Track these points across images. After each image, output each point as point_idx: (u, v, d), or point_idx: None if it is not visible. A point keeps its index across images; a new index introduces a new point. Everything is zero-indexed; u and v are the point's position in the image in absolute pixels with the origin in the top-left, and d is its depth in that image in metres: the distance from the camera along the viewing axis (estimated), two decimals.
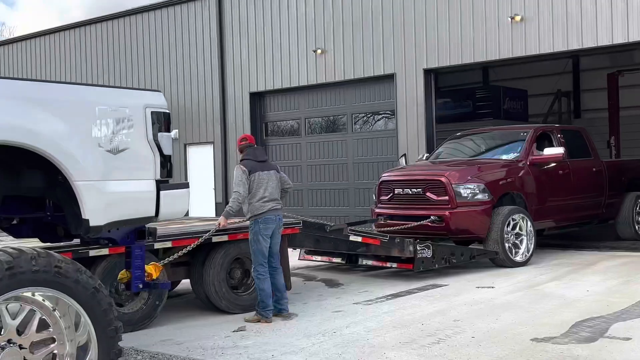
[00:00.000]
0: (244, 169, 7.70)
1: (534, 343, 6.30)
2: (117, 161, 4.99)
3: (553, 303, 8.01)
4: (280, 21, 16.88)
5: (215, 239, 8.09)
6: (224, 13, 17.93)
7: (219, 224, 7.76)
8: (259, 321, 7.53)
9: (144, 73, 19.68)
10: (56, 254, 4.46)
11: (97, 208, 4.83)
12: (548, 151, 11.63)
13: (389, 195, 11.55)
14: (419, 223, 10.81)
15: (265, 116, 17.77)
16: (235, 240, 8.25)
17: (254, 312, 7.65)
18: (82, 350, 4.53)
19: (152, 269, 6.38)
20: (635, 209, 13.16)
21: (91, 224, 4.78)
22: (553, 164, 11.84)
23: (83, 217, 4.76)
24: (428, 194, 10.86)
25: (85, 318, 4.45)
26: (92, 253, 7.17)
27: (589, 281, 9.37)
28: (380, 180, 11.84)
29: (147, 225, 5.67)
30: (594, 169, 12.77)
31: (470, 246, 11.17)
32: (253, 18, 17.38)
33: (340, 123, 16.68)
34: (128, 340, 6.88)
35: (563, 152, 11.60)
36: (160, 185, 5.27)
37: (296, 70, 16.68)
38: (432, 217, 10.66)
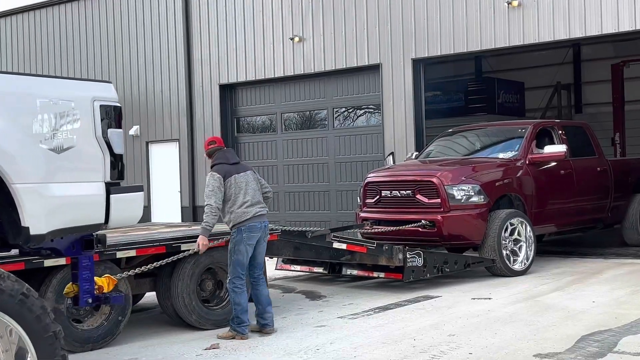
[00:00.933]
0: (218, 175, 7.67)
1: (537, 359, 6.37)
2: (61, 161, 4.96)
3: (556, 315, 8.04)
4: (254, 5, 16.90)
5: (184, 247, 8.07)
6: None
7: (199, 244, 7.72)
8: (233, 338, 7.53)
9: (100, 63, 19.62)
10: None
11: (39, 214, 4.79)
12: (549, 149, 11.67)
13: (375, 198, 11.55)
14: (407, 227, 10.81)
15: (236, 111, 17.80)
16: (207, 249, 8.12)
17: (228, 328, 7.64)
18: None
19: (104, 282, 6.32)
20: None
21: (32, 232, 4.75)
22: (554, 163, 11.89)
23: (22, 224, 4.72)
24: (418, 196, 10.90)
25: (17, 328, 4.41)
26: (47, 263, 7.10)
27: (594, 291, 9.38)
28: (366, 181, 11.85)
29: (95, 233, 5.62)
30: (599, 169, 12.81)
31: (464, 253, 11.26)
32: (223, 1, 17.42)
33: (320, 118, 16.74)
34: None
35: (565, 150, 11.64)
36: (111, 188, 5.24)
37: (271, 60, 16.69)
38: (422, 221, 10.69)
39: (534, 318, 7.97)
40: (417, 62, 14.71)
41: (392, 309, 8.96)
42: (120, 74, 19.04)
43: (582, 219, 12.68)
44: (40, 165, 4.78)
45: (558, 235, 13.12)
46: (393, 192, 11.40)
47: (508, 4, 13.33)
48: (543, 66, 21.55)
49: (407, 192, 11.22)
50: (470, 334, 7.35)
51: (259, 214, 7.70)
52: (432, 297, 9.39)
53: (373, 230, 11.29)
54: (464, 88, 20.65)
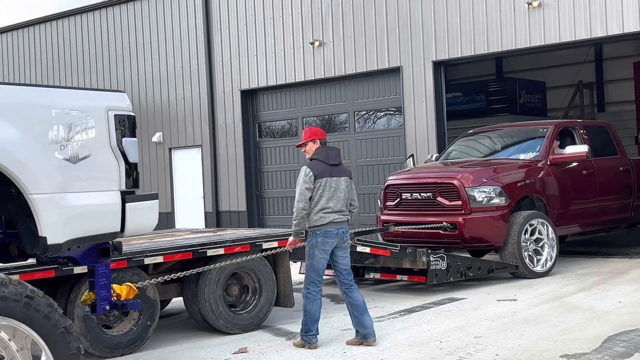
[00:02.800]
0: (311, 173, 7.38)
1: None
2: (77, 171, 4.95)
3: (582, 316, 8.01)
4: (274, 10, 16.85)
5: (210, 253, 8.11)
6: (210, 2, 17.98)
7: (289, 244, 7.69)
8: (303, 346, 7.40)
9: (123, 72, 19.72)
10: (27, 284, 4.44)
11: (56, 224, 4.78)
12: (570, 149, 11.63)
13: (396, 201, 11.55)
14: (426, 226, 10.76)
15: (258, 116, 17.78)
16: (232, 254, 8.26)
17: (299, 338, 7.51)
18: None
19: (124, 290, 6.29)
20: None
21: (49, 242, 4.74)
22: (576, 164, 11.84)
23: (40, 234, 4.72)
24: (439, 198, 10.88)
25: (27, 330, 4.41)
26: (76, 270, 7.08)
27: (620, 291, 9.33)
28: (386, 184, 11.83)
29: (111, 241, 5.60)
30: (621, 168, 12.76)
31: (486, 256, 11.24)
32: (243, 8, 17.37)
33: (341, 122, 16.70)
34: None
35: (587, 150, 11.60)
36: (126, 197, 5.23)
37: (291, 64, 16.64)
38: (444, 224, 10.66)
39: (559, 319, 7.94)
40: (437, 64, 14.69)
41: (417, 311, 8.94)
42: (142, 82, 19.17)
43: (605, 219, 12.59)
44: (57, 175, 4.79)
45: (581, 236, 13.06)
46: (413, 194, 11.35)
47: (528, 5, 13.29)
48: (564, 65, 21.37)
49: (428, 194, 11.16)
50: (496, 336, 7.34)
51: (337, 220, 7.39)
52: (456, 300, 9.37)
53: (396, 232, 11.12)
54: (485, 89, 20.50)
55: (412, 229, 10.93)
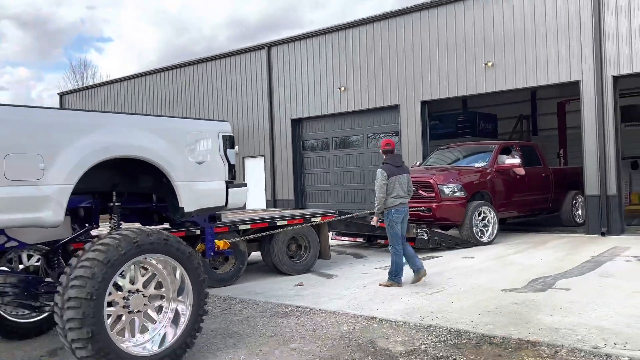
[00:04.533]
0: (385, 173, 7.24)
1: (503, 292, 6.71)
2: (201, 169, 5.07)
3: (516, 268, 8.26)
4: (314, 66, 16.76)
5: (279, 223, 8.31)
6: (272, 60, 17.77)
7: (375, 221, 7.57)
8: (391, 285, 7.25)
9: (216, 105, 19.50)
10: (163, 231, 4.54)
11: (189, 200, 4.93)
12: (509, 161, 11.68)
13: None
14: (412, 209, 10.02)
15: (302, 136, 17.60)
16: (292, 224, 8.48)
17: (387, 278, 7.38)
18: (180, 292, 4.59)
19: (221, 243, 6.26)
20: (574, 203, 13.20)
21: (185, 210, 4.92)
22: (512, 170, 11.76)
23: (180, 206, 4.88)
24: (420, 191, 10.72)
25: (185, 276, 4.61)
26: (240, 227, 7.66)
27: (542, 253, 9.57)
28: None
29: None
30: (543, 174, 12.77)
31: (450, 231, 11.07)
32: (294, 63, 17.24)
33: (358, 141, 16.45)
34: (223, 292, 7.28)
35: (520, 161, 11.66)
36: (228, 184, 5.30)
37: (325, 102, 16.54)
38: (423, 208, 10.61)
39: (501, 269, 8.21)
40: (423, 103, 14.53)
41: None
42: (231, 111, 19.01)
43: (532, 207, 12.63)
44: (190, 171, 4.97)
45: (517, 219, 13.18)
46: None
47: (485, 65, 13.28)
48: (510, 103, 21.06)
49: (414, 188, 11.19)
50: (461, 278, 7.62)
51: (402, 203, 7.31)
52: (436, 257, 9.52)
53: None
54: (455, 119, 20.09)
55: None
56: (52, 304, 4.42)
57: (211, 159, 5.17)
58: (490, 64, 13.31)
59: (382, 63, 15.30)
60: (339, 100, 16.32)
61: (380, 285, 7.29)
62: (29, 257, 5.56)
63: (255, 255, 9.15)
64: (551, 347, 4.70)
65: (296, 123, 17.66)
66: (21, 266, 5.48)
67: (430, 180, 10.76)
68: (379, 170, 7.29)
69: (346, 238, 11.21)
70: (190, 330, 4.59)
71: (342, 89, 16.13)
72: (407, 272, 7.55)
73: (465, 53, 13.71)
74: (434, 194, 10.59)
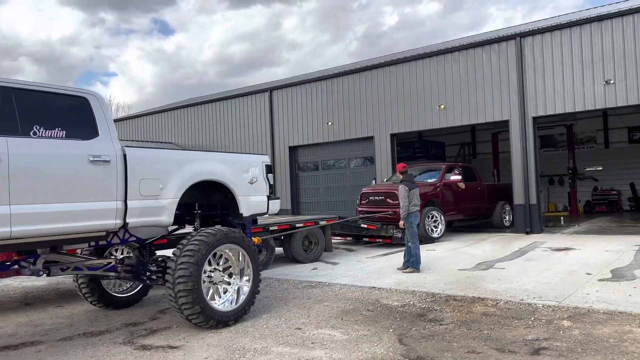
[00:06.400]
0: (407, 188, 7.45)
1: (459, 270, 7.52)
2: (253, 187, 5.58)
3: (466, 256, 8.96)
4: (307, 105, 16.88)
5: (297, 225, 8.77)
6: (273, 100, 17.85)
7: (402, 224, 7.60)
8: (413, 272, 7.35)
9: (228, 135, 19.10)
10: (232, 229, 4.99)
11: (246, 208, 5.43)
12: (452, 177, 12.05)
13: (366, 200, 11.51)
14: (380, 214, 10.81)
15: (297, 159, 17.61)
16: (306, 226, 8.94)
17: (410, 267, 7.47)
18: (244, 275, 5.02)
19: (256, 239, 6.76)
20: (502, 210, 13.50)
21: (244, 215, 5.43)
22: (455, 185, 12.05)
23: (240, 212, 5.39)
24: (388, 199, 10.92)
25: (248, 259, 5.13)
26: (271, 228, 8.12)
27: (484, 246, 10.22)
28: (361, 192, 11.85)
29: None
30: (479, 188, 13.07)
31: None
32: (291, 103, 17.32)
33: (342, 164, 16.50)
34: (261, 275, 7.31)
35: (461, 178, 12.08)
36: (269, 197, 5.78)
37: (316, 133, 16.70)
38: (390, 212, 10.72)
39: (456, 257, 8.88)
40: (392, 135, 14.88)
41: (389, 254, 9.66)
42: (239, 141, 18.67)
43: (471, 213, 12.82)
44: (246, 189, 5.52)
45: (462, 222, 13.41)
46: (375, 197, 11.33)
47: (439, 107, 13.79)
48: (455, 133, 21.56)
49: (381, 197, 11.12)
50: (429, 263, 8.24)
51: (416, 210, 7.53)
52: None
53: (372, 217, 10.91)
54: (413, 145, 20.60)
55: (373, 215, 10.95)
56: (155, 278, 5.02)
57: (259, 181, 5.68)
58: (442, 106, 13.82)
59: (360, 104, 15.62)
60: (327, 132, 16.49)
61: (402, 271, 7.28)
62: (120, 251, 6.02)
63: (277, 250, 9.26)
64: (494, 301, 5.75)
65: (293, 149, 17.66)
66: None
67: (395, 191, 10.74)
68: (401, 186, 7.47)
69: (339, 237, 11.58)
70: (253, 294, 5.25)
71: (330, 123, 16.33)
72: (398, 260, 8.09)
73: (424, 98, 14.22)
74: (397, 202, 10.33)
